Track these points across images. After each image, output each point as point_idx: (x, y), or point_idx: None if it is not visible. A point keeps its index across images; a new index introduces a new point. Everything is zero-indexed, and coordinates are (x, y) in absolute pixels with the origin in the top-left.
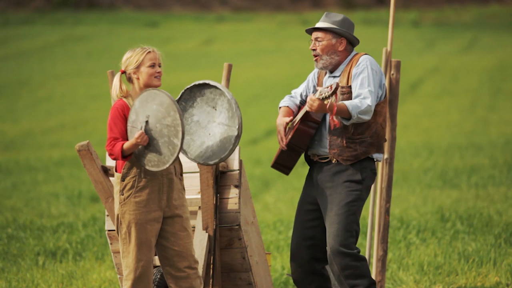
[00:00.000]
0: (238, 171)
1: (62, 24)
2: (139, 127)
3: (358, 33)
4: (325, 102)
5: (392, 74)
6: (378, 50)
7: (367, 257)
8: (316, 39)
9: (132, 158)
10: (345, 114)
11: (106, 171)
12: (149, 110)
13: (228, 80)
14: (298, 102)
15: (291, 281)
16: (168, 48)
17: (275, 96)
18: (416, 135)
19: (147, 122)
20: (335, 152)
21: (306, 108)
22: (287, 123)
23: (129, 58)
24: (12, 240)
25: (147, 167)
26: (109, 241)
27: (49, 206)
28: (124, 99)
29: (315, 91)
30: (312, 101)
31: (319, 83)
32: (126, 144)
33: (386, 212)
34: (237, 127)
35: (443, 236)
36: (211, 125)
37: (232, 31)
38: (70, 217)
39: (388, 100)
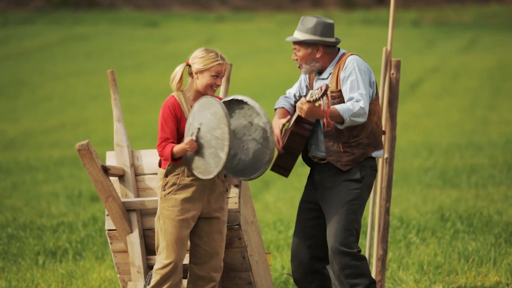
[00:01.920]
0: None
1: (62, 24)
2: (190, 132)
3: (358, 33)
4: (316, 104)
5: (392, 74)
6: (378, 50)
7: (367, 256)
8: (294, 49)
9: (182, 160)
10: (337, 118)
11: (106, 171)
12: (203, 118)
13: (228, 80)
14: (293, 103)
15: (291, 280)
16: (168, 48)
17: (275, 96)
18: (416, 135)
19: (199, 129)
20: (333, 159)
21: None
22: (283, 125)
23: (200, 58)
24: (12, 240)
25: (195, 173)
26: (109, 241)
27: (49, 205)
28: (175, 96)
29: (307, 91)
30: (302, 104)
31: (311, 83)
32: (176, 148)
33: (386, 211)
34: (269, 152)
35: (443, 236)
36: (246, 138)
37: (232, 31)
38: (70, 216)
39: (388, 100)
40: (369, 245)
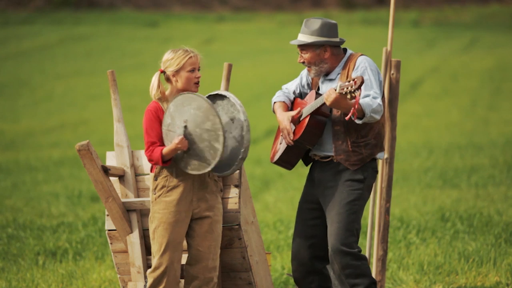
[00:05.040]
0: (238, 171)
1: (62, 24)
2: (178, 131)
3: (358, 33)
4: (348, 96)
5: (392, 74)
6: (378, 50)
7: (367, 256)
8: (301, 51)
9: (172, 162)
10: (359, 112)
11: (106, 171)
12: (187, 115)
13: (228, 80)
14: (292, 98)
15: (291, 280)
16: (168, 48)
17: None
18: (416, 135)
19: (185, 126)
20: (342, 158)
21: (314, 103)
22: (293, 118)
23: (170, 60)
24: (12, 240)
25: (188, 170)
26: (109, 241)
27: (49, 206)
28: (158, 101)
29: (310, 90)
30: (330, 93)
31: (314, 82)
32: (165, 150)
33: (386, 212)
34: (243, 150)
35: (443, 236)
36: (227, 136)
37: (232, 31)
38: (70, 217)
39: (388, 100)
40: (369, 245)
